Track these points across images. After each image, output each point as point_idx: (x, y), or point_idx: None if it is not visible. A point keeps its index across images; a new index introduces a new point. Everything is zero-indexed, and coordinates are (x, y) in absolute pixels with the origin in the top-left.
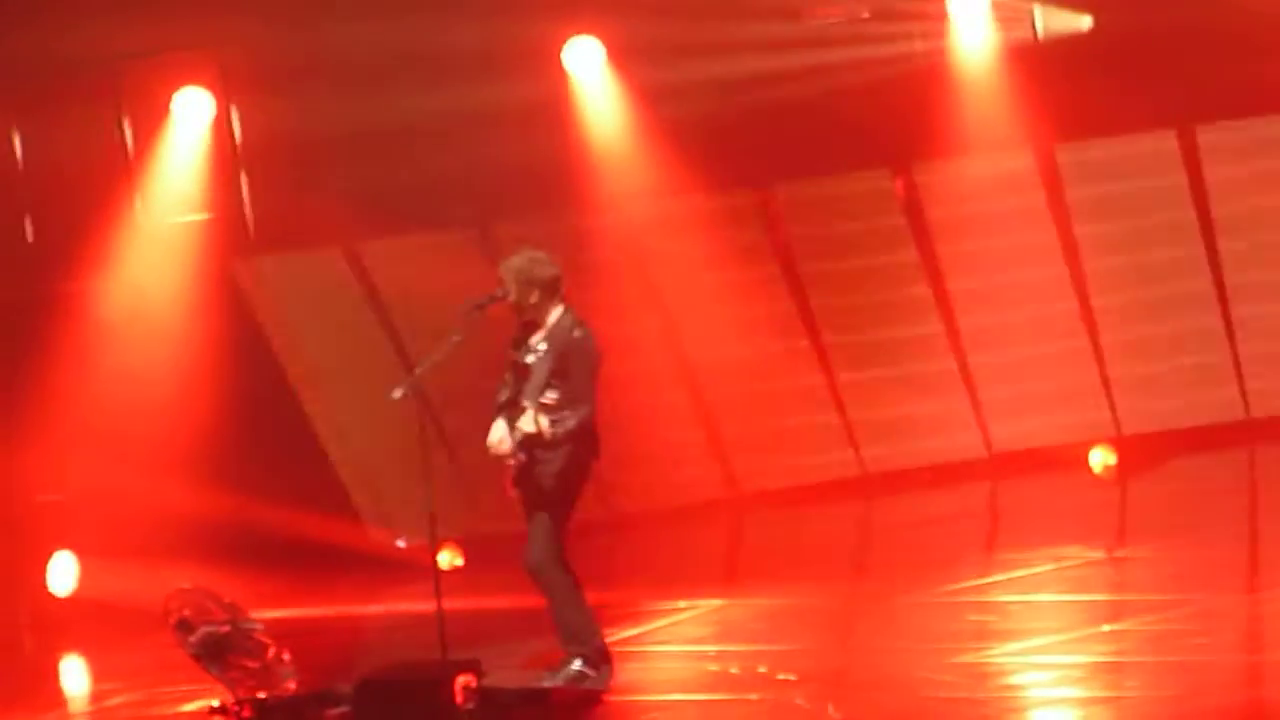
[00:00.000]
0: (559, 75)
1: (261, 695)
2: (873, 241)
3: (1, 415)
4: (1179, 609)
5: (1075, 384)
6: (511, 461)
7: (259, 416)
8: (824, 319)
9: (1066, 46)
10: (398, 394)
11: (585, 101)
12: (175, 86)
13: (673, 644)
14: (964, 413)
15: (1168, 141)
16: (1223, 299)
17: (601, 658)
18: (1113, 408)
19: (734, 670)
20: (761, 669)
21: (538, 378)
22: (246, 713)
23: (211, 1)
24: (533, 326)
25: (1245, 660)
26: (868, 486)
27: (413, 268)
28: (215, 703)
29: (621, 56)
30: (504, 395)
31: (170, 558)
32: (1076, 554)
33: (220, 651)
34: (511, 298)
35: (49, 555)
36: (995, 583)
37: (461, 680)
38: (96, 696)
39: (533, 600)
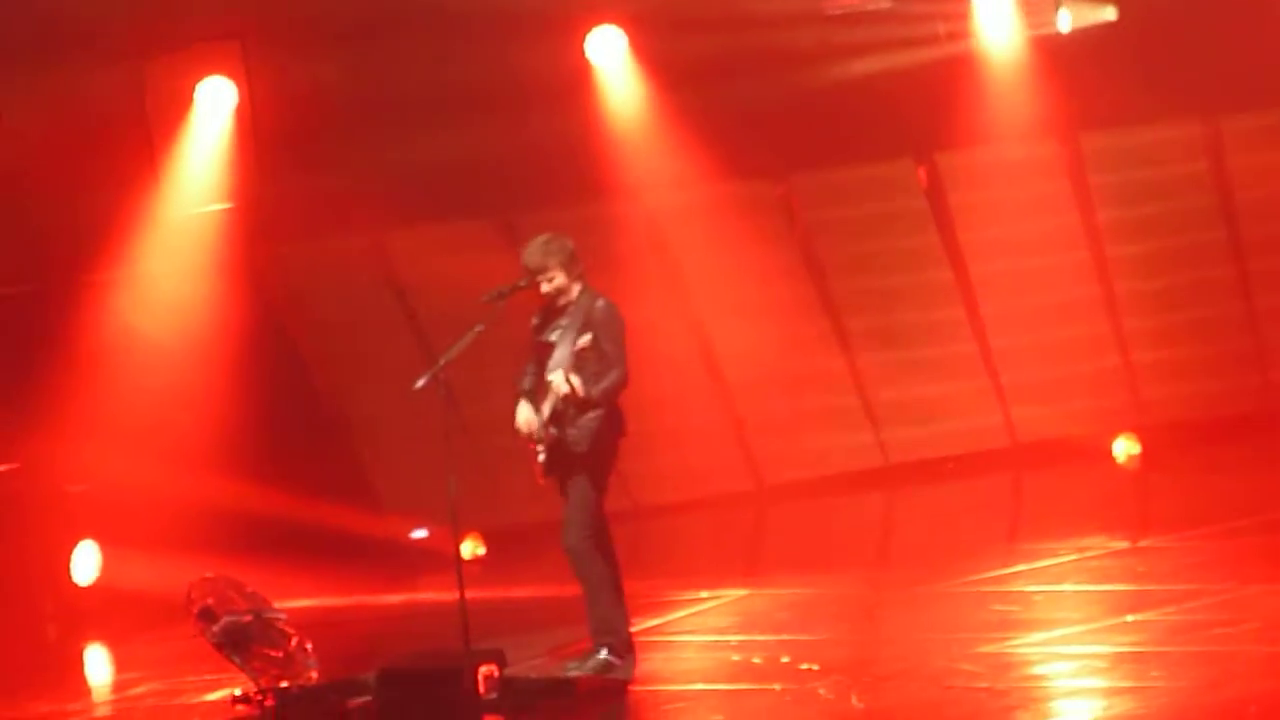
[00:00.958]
0: (582, 64)
1: (284, 684)
2: (895, 226)
3: (25, 406)
4: (1202, 599)
5: (1097, 370)
6: (541, 446)
7: (282, 407)
8: (844, 302)
9: (1091, 36)
10: (420, 384)
11: (608, 90)
12: (198, 76)
13: (696, 634)
14: (987, 397)
15: (1191, 129)
16: (1246, 287)
17: (626, 648)
18: (1135, 394)
19: (757, 660)
20: (785, 659)
21: (564, 349)
22: (269, 702)
23: None
24: (555, 311)
25: (1268, 651)
26: (890, 476)
27: (435, 257)
28: (238, 691)
29: (644, 45)
30: (528, 381)
31: (193, 547)
32: (1100, 544)
33: (243, 641)
34: (540, 281)
35: (72, 545)
36: (1018, 573)
37: (484, 670)
38: (120, 686)
39: (555, 590)
